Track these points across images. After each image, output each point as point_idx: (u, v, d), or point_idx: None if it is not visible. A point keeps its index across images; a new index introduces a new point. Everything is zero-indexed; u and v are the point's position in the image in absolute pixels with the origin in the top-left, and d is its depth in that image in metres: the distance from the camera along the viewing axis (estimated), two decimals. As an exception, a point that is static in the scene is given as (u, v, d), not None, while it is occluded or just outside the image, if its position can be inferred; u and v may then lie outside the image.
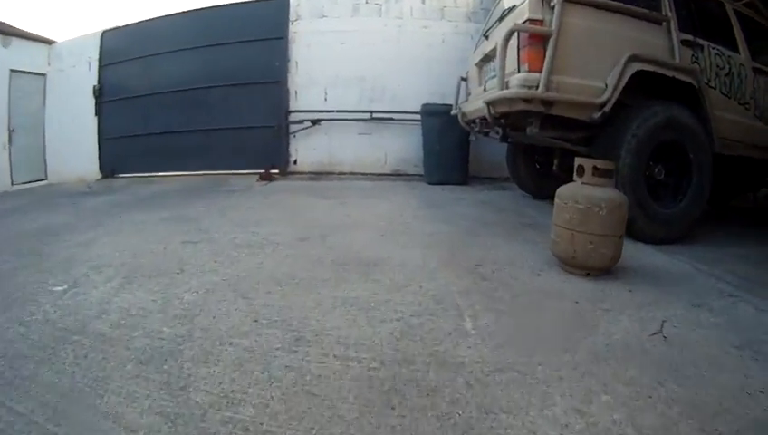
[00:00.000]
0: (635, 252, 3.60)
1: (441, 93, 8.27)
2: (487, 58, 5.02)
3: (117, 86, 10.19)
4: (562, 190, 3.11)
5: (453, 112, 6.47)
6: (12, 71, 10.05)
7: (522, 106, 3.83)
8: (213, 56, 9.51)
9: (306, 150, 9.21)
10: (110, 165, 10.23)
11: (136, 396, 1.73)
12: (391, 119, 8.76)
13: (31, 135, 10.43)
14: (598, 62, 3.93)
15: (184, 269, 3.19)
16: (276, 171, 8.97)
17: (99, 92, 10.26)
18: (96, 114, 10.26)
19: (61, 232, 4.47)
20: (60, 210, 5.86)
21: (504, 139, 4.63)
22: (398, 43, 8.93)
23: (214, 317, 2.39)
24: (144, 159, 9.93)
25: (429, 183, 7.90)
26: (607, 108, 3.88)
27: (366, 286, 2.80)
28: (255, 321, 2.34)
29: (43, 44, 10.66)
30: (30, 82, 10.35)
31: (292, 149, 9.24)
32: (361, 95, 8.98)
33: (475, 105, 5.15)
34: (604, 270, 3.02)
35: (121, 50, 10.15)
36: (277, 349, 2.06)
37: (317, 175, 8.98)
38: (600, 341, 2.14)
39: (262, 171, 8.74)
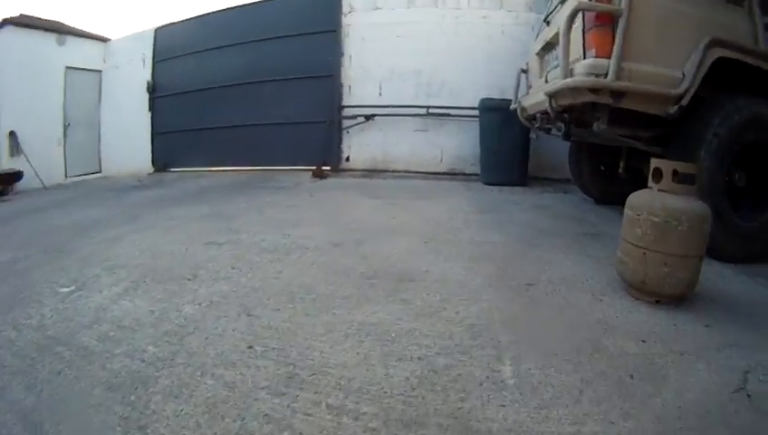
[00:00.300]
0: (711, 274, 2.99)
1: (500, 88, 7.76)
2: (549, 46, 4.51)
3: (169, 82, 10.34)
4: (635, 199, 2.58)
5: (512, 107, 5.95)
6: (67, 68, 10.36)
7: (588, 97, 3.31)
8: (264, 51, 9.42)
9: (359, 147, 8.88)
10: (162, 159, 10.40)
11: (88, 430, 1.50)
12: (448, 114, 8.30)
13: (86, 130, 10.77)
14: (673, 48, 3.35)
15: (197, 275, 2.94)
16: (328, 168, 8.70)
17: (152, 88, 10.49)
18: (149, 109, 10.49)
19: (92, 227, 4.44)
20: (100, 204, 5.81)
21: (566, 136, 4.09)
22: (455, 34, 8.45)
23: (206, 338, 2.10)
24: (196, 153, 10.02)
25: (486, 183, 7.40)
26: (684, 101, 3.30)
27: (391, 309, 2.41)
28: (250, 347, 2.01)
29: (98, 42, 11.01)
30: (85, 79, 10.71)
31: (344, 145, 8.95)
32: (417, 90, 8.57)
33: (535, 99, 4.65)
34: (678, 298, 2.48)
35: (174, 46, 10.30)
36: (263, 388, 1.72)
37: (370, 172, 8.64)
38: (671, 401, 1.65)
39: (313, 168, 8.48)
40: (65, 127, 10.41)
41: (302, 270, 2.98)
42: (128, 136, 10.60)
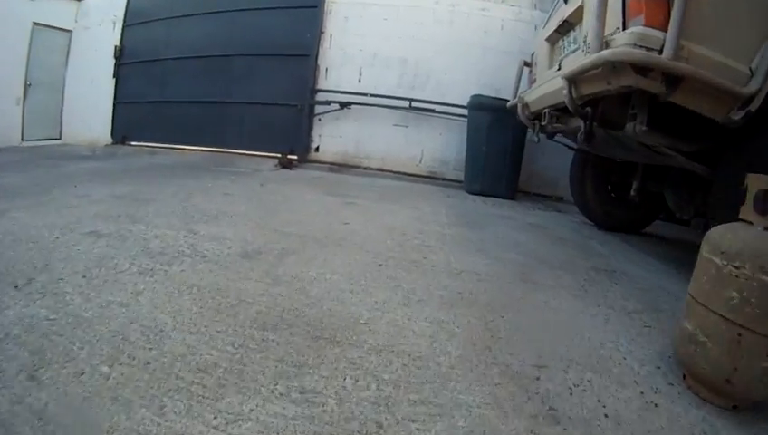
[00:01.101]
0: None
1: (494, 88, 6.94)
2: (566, 26, 3.57)
3: (138, 48, 9.42)
4: (727, 239, 1.58)
5: (510, 104, 5.03)
6: (35, 24, 9.45)
7: (629, 81, 2.36)
8: (238, 22, 8.50)
9: (331, 137, 7.91)
10: (122, 131, 9.52)
11: None
12: (433, 110, 7.37)
13: (49, 92, 9.91)
14: (742, 34, 2.42)
15: (32, 280, 1.96)
16: (294, 157, 7.72)
17: (119, 54, 9.56)
18: (114, 76, 9.60)
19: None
20: (26, 172, 4.89)
21: (587, 138, 3.08)
22: (450, 25, 7.57)
23: None
24: (157, 128, 9.14)
25: (469, 192, 6.49)
26: (754, 105, 2.38)
27: (269, 421, 1.26)
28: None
29: (72, 0, 10.07)
30: (54, 38, 9.82)
31: (315, 133, 7.98)
32: (401, 80, 7.64)
33: (544, 91, 3.74)
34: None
35: (147, 10, 9.36)
36: None
37: (339, 166, 7.69)
38: None
39: (278, 155, 7.62)
40: (26, 87, 9.49)
41: (169, 296, 1.95)
42: (91, 103, 9.74)
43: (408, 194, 5.70)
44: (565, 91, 2.93)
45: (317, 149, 7.97)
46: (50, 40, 9.68)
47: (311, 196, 4.61)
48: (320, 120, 7.91)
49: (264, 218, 3.38)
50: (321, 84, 7.87)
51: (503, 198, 6.39)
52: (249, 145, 8.34)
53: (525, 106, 4.36)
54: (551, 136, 4.54)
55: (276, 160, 7.46)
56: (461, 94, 7.17)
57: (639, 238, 4.64)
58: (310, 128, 7.94)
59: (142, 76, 9.36)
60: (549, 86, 3.61)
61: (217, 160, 7.47)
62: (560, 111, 3.53)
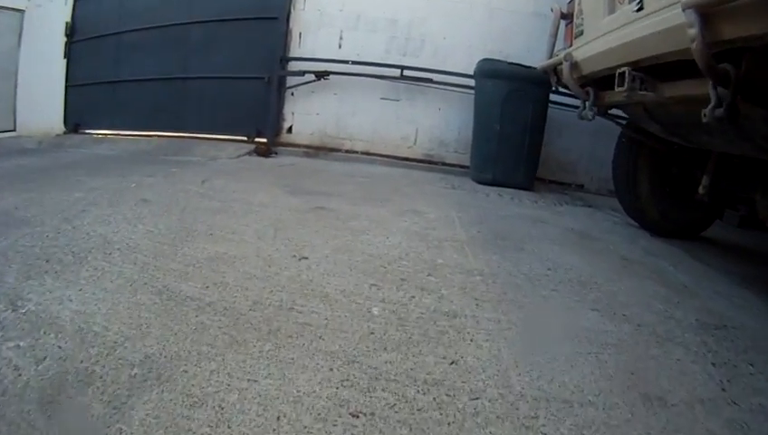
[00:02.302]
0: None
1: (503, 54, 5.63)
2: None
3: (90, 23, 8.01)
4: None
5: (544, 65, 3.77)
6: None
7: None
8: (196, -19, 7.09)
9: (306, 115, 6.60)
10: (75, 118, 8.18)
11: None
12: (429, 80, 6.04)
13: (0, 80, 8.68)
14: None
15: None
16: (263, 140, 6.39)
17: (70, 31, 8.16)
18: (65, 56, 8.28)
19: None
20: None
21: (731, 115, 1.78)
22: (448, -24, 6.20)
23: None
24: (111, 112, 7.86)
25: (478, 181, 5.25)
26: None
27: None
28: None
29: None
30: (2, 19, 8.53)
31: (287, 111, 6.65)
32: (390, 45, 6.32)
33: (616, 41, 2.47)
34: None
35: None
36: None
37: (316, 150, 6.39)
38: None
39: (243, 138, 6.50)
40: None
41: None
42: (43, 89, 8.48)
43: (401, 186, 4.46)
44: (695, 33, 1.64)
45: (290, 129, 6.65)
46: None
47: (265, 197, 3.34)
48: (292, 94, 6.58)
49: (163, 255, 2.08)
50: (294, 52, 6.53)
51: (520, 188, 5.16)
52: (211, 128, 7.00)
53: (575, 67, 3.08)
54: (602, 111, 3.27)
55: (240, 145, 6.20)
56: (463, 62, 5.93)
57: (705, 248, 3.52)
58: (280, 104, 6.61)
59: (95, 55, 8.06)
60: (625, 34, 2.33)
61: (171, 148, 6.21)
62: (647, 70, 2.25)
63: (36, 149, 6.46)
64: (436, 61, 6.13)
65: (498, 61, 5.19)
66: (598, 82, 3.02)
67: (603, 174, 5.93)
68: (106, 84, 7.82)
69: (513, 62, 5.21)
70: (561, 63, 3.32)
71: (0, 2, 8.29)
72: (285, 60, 6.44)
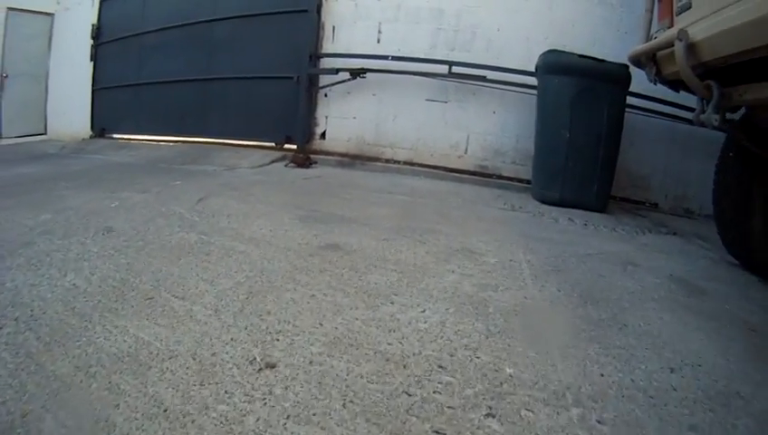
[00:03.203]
0: None
1: (566, 48, 4.59)
2: None
3: (115, 24, 7.71)
4: None
5: (638, 51, 2.88)
6: (9, 9, 8.54)
7: None
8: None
9: (342, 119, 5.83)
10: (101, 122, 7.93)
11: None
12: (483, 78, 5.15)
13: (31, 83, 8.94)
14: None
15: None
16: (293, 147, 5.68)
17: (96, 33, 7.90)
18: (91, 59, 8.02)
19: None
20: None
21: None
22: (503, -40, 5.33)
23: None
24: (136, 116, 7.48)
25: (542, 200, 4.35)
26: None
27: None
28: None
29: None
30: (32, 23, 8.77)
31: (319, 114, 5.91)
32: (435, 38, 5.48)
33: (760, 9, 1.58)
34: None
35: None
36: None
37: (353, 159, 5.62)
38: None
39: (272, 144, 5.97)
40: (2, 79, 8.65)
41: None
42: (71, 92, 8.31)
43: (449, 208, 3.63)
44: None
45: (323, 135, 5.88)
46: (28, 25, 8.71)
47: (263, 227, 2.56)
48: (326, 95, 5.82)
49: (58, 341, 1.31)
50: (326, 48, 5.78)
51: (591, 209, 4.24)
52: (236, 133, 6.39)
53: (692, 51, 2.18)
54: (728, 112, 2.38)
55: (267, 153, 5.58)
56: (520, 57, 5.11)
57: None
58: (312, 107, 5.86)
59: (120, 57, 7.68)
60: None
61: (192, 155, 5.61)
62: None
63: (55, 154, 6.16)
64: (489, 56, 5.28)
65: (566, 53, 4.28)
66: (720, 74, 2.12)
67: (679, 191, 5.18)
68: (130, 87, 7.47)
69: (584, 54, 4.28)
70: (665, 48, 2.43)
71: (26, 5, 8.41)
72: (317, 57, 5.70)
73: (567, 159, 4.20)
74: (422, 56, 5.29)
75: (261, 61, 6.15)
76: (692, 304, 2.16)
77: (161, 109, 7.15)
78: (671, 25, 2.62)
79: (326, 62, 5.72)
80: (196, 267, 1.88)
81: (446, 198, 4.11)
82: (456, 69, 5.15)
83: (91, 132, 7.94)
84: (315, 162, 5.26)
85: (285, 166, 5.04)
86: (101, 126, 7.84)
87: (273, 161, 5.25)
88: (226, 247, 2.15)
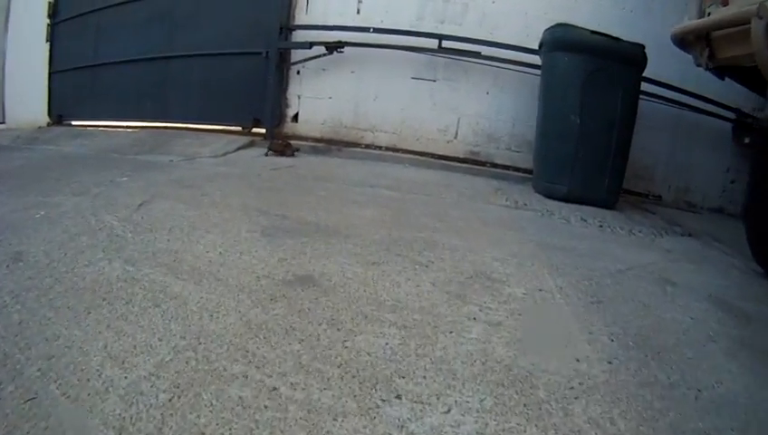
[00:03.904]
0: None
1: (572, 22, 4.03)
2: None
3: (73, 1, 6.87)
4: None
5: (684, 29, 2.35)
6: None
7: None
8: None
9: (316, 99, 5.21)
10: (58, 108, 7.16)
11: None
12: (477, 54, 4.57)
13: None
14: None
15: None
16: (261, 131, 5.06)
17: (53, 11, 7.09)
18: (48, 40, 7.26)
19: None
20: None
21: None
22: None
23: None
24: (92, 101, 6.78)
25: (547, 195, 3.82)
26: None
27: None
28: None
29: None
30: None
31: (291, 93, 5.28)
32: (423, 9, 4.88)
33: None
34: None
35: None
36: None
37: (329, 145, 5.05)
38: None
39: (237, 128, 5.35)
40: None
41: None
42: (29, 76, 7.56)
43: (446, 207, 3.10)
44: None
45: (295, 117, 5.27)
46: None
47: (214, 245, 2.00)
48: (298, 73, 5.20)
49: None
50: (300, 19, 5.14)
51: (601, 205, 3.74)
52: (200, 116, 5.70)
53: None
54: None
55: (233, 138, 5.01)
56: (517, 32, 4.58)
57: None
58: (283, 86, 5.23)
59: (77, 36, 6.92)
60: None
61: (150, 142, 4.90)
62: None
63: (6, 146, 5.34)
64: (482, 31, 4.71)
65: (577, 27, 3.73)
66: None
67: (682, 184, 4.82)
68: (87, 69, 6.84)
69: (596, 30, 3.75)
70: (731, 26, 1.91)
71: (-17, -20, 7.32)
72: (288, 29, 5.07)
73: (577, 148, 3.67)
74: (407, 28, 4.69)
75: (226, 35, 5.46)
76: (746, 338, 1.70)
77: (119, 92, 6.49)
78: (726, 3, 2.11)
79: (299, 36, 5.09)
80: (107, 330, 1.28)
81: (438, 192, 3.56)
82: (446, 43, 4.56)
83: (48, 119, 7.29)
84: (297, 149, 4.63)
85: (266, 155, 4.42)
86: (59, 112, 7.14)
87: (239, 148, 4.63)
88: (156, 288, 1.55)
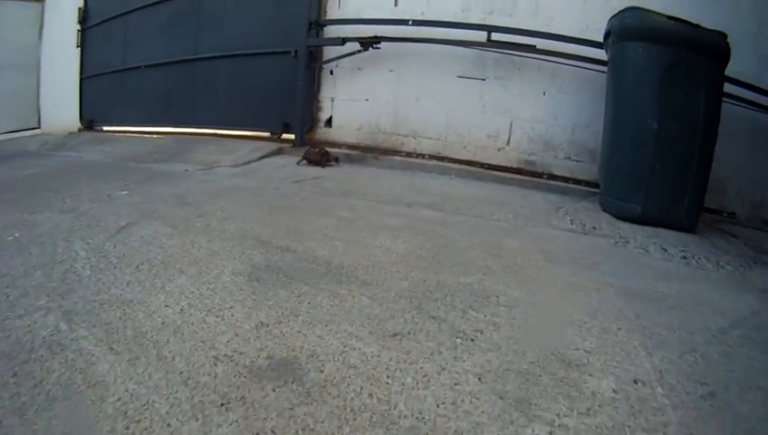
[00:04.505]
0: None
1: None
2: None
3: (101, 5, 6.81)
4: None
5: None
6: None
7: None
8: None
9: (351, 101, 4.77)
10: (89, 113, 7.14)
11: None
12: (532, 47, 3.99)
13: (19, 75, 8.10)
14: None
15: None
16: (291, 136, 4.63)
17: (83, 16, 7.09)
18: (78, 45, 7.24)
19: None
20: None
21: None
22: None
23: None
24: (121, 105, 6.69)
25: (618, 216, 3.22)
26: None
27: None
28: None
29: None
30: (20, 11, 7.97)
31: (324, 96, 4.84)
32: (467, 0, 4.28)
33: None
34: None
35: None
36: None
37: (364, 152, 4.59)
38: None
39: (265, 134, 5.00)
40: None
41: None
42: (63, 83, 7.54)
43: (497, 236, 2.56)
44: None
45: (328, 122, 4.81)
46: (15, 13, 7.89)
47: (181, 297, 1.56)
48: (331, 73, 4.75)
49: None
50: (331, 13, 4.71)
51: (680, 228, 3.12)
52: (226, 121, 5.39)
53: None
54: None
55: (260, 144, 4.64)
56: (576, 23, 4.03)
57: None
58: (314, 88, 4.81)
59: (106, 40, 6.85)
60: None
61: (171, 149, 4.63)
62: None
63: (33, 152, 5.32)
64: (536, 22, 4.15)
65: (651, 12, 3.12)
66: None
67: (756, 198, 4.10)
68: (116, 74, 6.66)
69: (674, 16, 3.14)
70: None
71: (18, -7, 7.57)
72: (319, 25, 4.62)
73: (654, 159, 3.07)
74: (451, 20, 4.16)
75: (254, 34, 5.11)
76: None
77: (147, 97, 6.27)
78: None
79: (331, 32, 4.64)
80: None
81: (489, 211, 3.02)
82: (496, 36, 4.01)
83: (80, 125, 7.21)
84: (337, 159, 4.14)
85: (298, 164, 3.97)
86: (90, 117, 7.04)
87: (264, 156, 4.21)
88: (78, 366, 1.12)
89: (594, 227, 2.91)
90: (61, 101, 7.55)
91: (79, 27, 7.11)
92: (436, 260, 2.06)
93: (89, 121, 7.01)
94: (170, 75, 5.88)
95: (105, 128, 6.78)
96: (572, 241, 2.61)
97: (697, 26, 3.08)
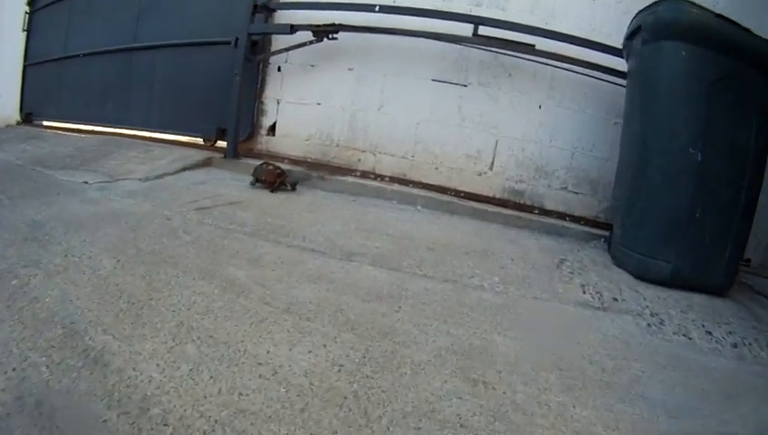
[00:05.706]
0: None
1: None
2: None
3: None
4: None
5: None
6: None
7: None
8: None
9: (300, 104, 3.95)
10: (28, 105, 6.53)
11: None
12: (531, 47, 3.20)
13: None
14: None
15: None
16: (224, 145, 3.88)
17: None
18: (25, 29, 6.60)
19: None
20: None
21: None
22: None
23: None
24: (57, 98, 6.06)
25: (640, 276, 2.38)
26: None
27: None
28: None
29: None
30: None
31: (268, 97, 4.01)
32: (449, -14, 3.53)
33: None
34: None
35: None
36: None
37: (311, 169, 3.68)
38: None
39: (198, 141, 4.21)
40: None
41: None
42: (8, 69, 6.84)
43: (480, 317, 1.74)
44: None
45: (272, 129, 3.93)
46: None
47: None
48: (279, 69, 3.88)
49: None
50: (281, -6, 3.80)
51: (714, 292, 2.33)
52: (159, 121, 4.63)
53: None
54: None
55: (188, 153, 3.83)
56: (582, 22, 3.35)
57: None
58: (258, 85, 3.90)
59: (51, 25, 6.20)
60: None
61: (88, 152, 3.81)
62: None
63: None
64: (534, 18, 3.40)
65: (696, 5, 2.29)
66: None
67: None
68: (56, 62, 5.98)
69: (720, 14, 2.32)
70: None
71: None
72: (267, 9, 3.70)
73: (695, 200, 2.23)
74: (429, 7, 3.31)
75: (196, 20, 4.31)
76: None
77: (83, 90, 5.61)
78: None
79: (283, 17, 3.75)
80: None
81: (467, 270, 2.15)
82: (484, 30, 3.17)
83: (18, 118, 6.61)
84: (294, 183, 3.19)
85: (252, 186, 3.07)
86: (28, 110, 6.43)
87: (184, 169, 3.33)
88: None
89: (615, 299, 2.05)
90: (3, 90, 6.79)
91: (27, 9, 6.41)
92: (362, 407, 1.14)
93: (27, 114, 6.41)
94: (108, 66, 5.18)
95: (45, 123, 6.15)
96: (593, 330, 1.74)
97: (748, 31, 2.28)
